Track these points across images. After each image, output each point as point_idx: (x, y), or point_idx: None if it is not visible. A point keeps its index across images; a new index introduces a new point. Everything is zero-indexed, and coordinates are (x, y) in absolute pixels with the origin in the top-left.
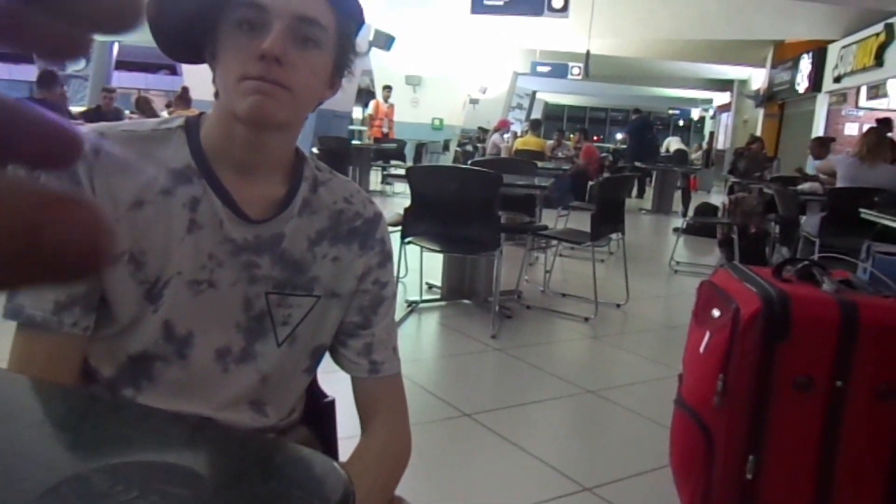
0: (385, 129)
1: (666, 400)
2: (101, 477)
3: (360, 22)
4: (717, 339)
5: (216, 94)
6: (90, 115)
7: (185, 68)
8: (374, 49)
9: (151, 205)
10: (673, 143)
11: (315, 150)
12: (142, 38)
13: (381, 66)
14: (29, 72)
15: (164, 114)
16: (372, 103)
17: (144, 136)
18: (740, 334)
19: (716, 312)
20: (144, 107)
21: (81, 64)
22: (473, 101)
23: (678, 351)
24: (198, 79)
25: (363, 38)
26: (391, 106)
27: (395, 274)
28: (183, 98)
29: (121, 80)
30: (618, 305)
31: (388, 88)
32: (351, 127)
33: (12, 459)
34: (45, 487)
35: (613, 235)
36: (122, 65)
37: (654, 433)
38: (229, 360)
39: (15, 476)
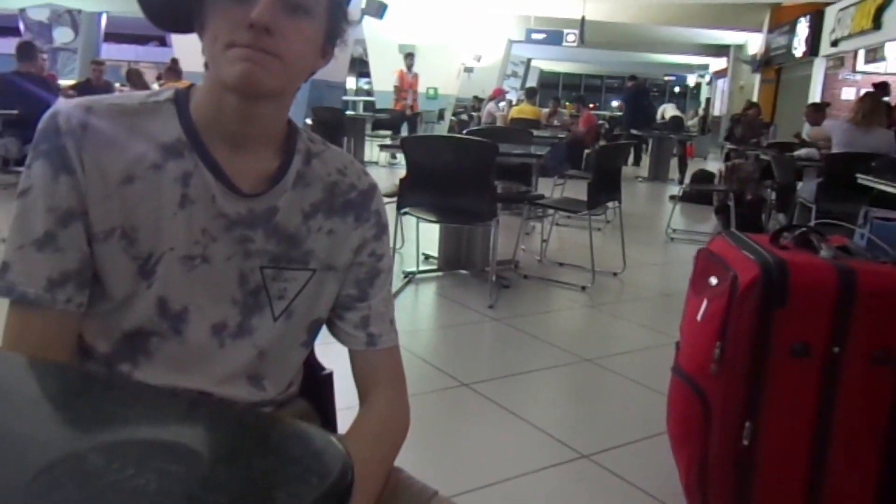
0: (409, 101)
1: (663, 368)
2: (97, 455)
3: None
4: (715, 307)
5: (206, 65)
6: (80, 88)
7: (175, 40)
8: (366, 17)
9: (142, 180)
10: (668, 110)
11: (308, 121)
12: (131, 8)
13: (373, 35)
14: (9, 45)
15: (155, 86)
16: (396, 73)
17: (133, 109)
18: (738, 302)
19: (713, 280)
20: (135, 79)
21: (70, 36)
22: (468, 70)
23: (675, 319)
24: (188, 50)
25: (355, 6)
26: (415, 76)
27: (392, 245)
28: (173, 70)
29: (110, 52)
30: (615, 274)
31: (410, 56)
32: (345, 97)
33: (7, 438)
34: (39, 467)
35: (610, 204)
36: (112, 37)
37: (652, 400)
38: (225, 334)
39: (9, 455)
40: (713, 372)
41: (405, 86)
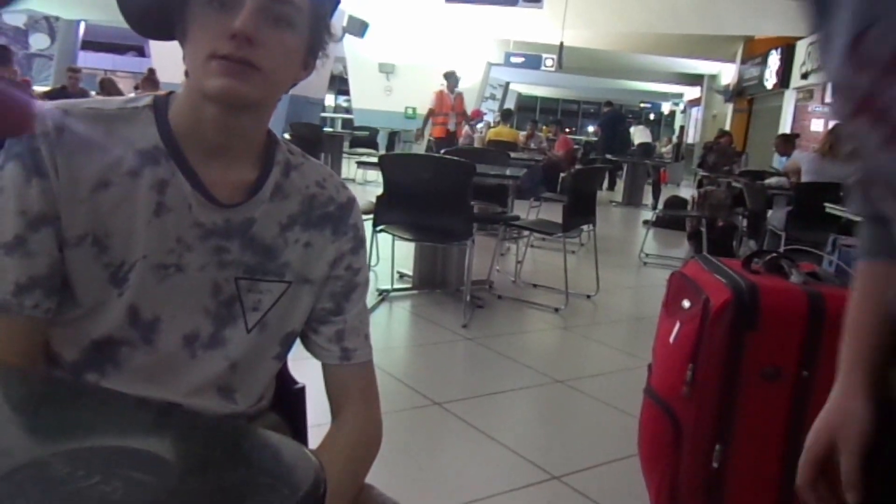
0: (451, 127)
1: (635, 390)
2: (61, 462)
3: (336, 2)
4: (687, 329)
5: (186, 73)
6: (55, 95)
7: (154, 50)
8: (347, 35)
9: (117, 186)
10: (638, 134)
11: (287, 136)
12: (109, 17)
13: (354, 53)
14: None
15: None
16: (433, 94)
17: (110, 114)
18: (710, 324)
19: (686, 303)
20: (109, 88)
21: (46, 42)
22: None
23: (647, 341)
24: (166, 60)
25: (337, 22)
26: (459, 96)
27: (368, 262)
28: (150, 80)
29: (87, 60)
30: (588, 296)
31: (452, 76)
32: (323, 114)
33: None
34: (1, 472)
35: (585, 227)
36: (89, 45)
37: (623, 422)
38: (197, 345)
39: None
40: (685, 394)
41: (444, 108)
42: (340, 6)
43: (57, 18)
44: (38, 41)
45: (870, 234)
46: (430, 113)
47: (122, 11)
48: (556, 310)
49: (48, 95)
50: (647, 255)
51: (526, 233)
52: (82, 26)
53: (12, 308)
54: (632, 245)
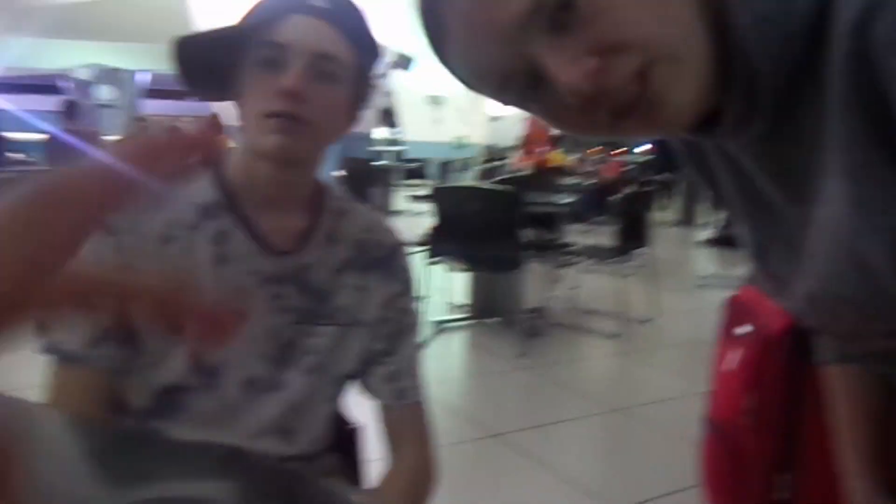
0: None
1: (695, 417)
2: None
3: (377, 56)
4: (745, 357)
5: (239, 129)
6: None
7: None
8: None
9: (178, 240)
10: None
11: (343, 172)
12: (170, 66)
13: (402, 86)
14: (49, 102)
15: None
16: (524, 121)
17: None
18: (768, 352)
19: (742, 329)
20: None
21: (113, 93)
22: (495, 119)
23: (707, 367)
24: (226, 104)
25: (382, 65)
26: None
27: (422, 293)
28: (213, 126)
29: (151, 107)
30: (645, 321)
31: None
32: (373, 148)
33: (49, 495)
34: None
35: (639, 250)
36: (153, 92)
37: (684, 452)
38: (257, 389)
39: None
40: (745, 423)
41: (541, 135)
42: (387, 43)
43: (121, 70)
44: (104, 92)
45: (837, 345)
46: (525, 141)
47: (181, 77)
48: (613, 336)
49: None
50: (704, 276)
51: (579, 258)
52: (147, 75)
53: (86, 360)
54: (689, 266)
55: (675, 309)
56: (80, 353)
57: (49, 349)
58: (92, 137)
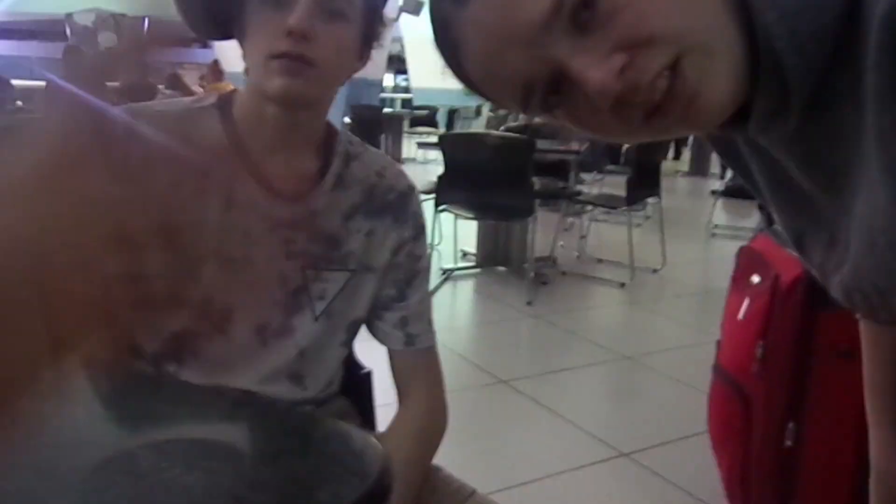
0: None
1: (703, 366)
2: (147, 453)
3: None
4: (757, 306)
5: (246, 71)
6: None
7: (217, 42)
8: (403, 14)
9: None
10: None
11: (347, 119)
12: (174, 12)
13: (411, 32)
14: (56, 49)
15: (197, 89)
16: None
17: (178, 115)
18: (780, 301)
19: (755, 278)
20: (176, 83)
21: (114, 40)
22: None
23: (716, 317)
24: (229, 51)
25: (392, 4)
26: None
27: (430, 242)
28: (214, 71)
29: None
30: (654, 270)
31: None
32: (382, 95)
33: (63, 436)
34: (94, 464)
35: (650, 199)
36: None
37: (692, 399)
38: (268, 334)
39: (66, 452)
40: (755, 371)
41: None
42: None
43: (123, 15)
44: (107, 39)
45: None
46: None
47: (181, 14)
48: (622, 285)
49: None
50: (715, 226)
51: (589, 207)
52: (146, 22)
53: None
54: (699, 216)
55: (685, 259)
56: None
57: None
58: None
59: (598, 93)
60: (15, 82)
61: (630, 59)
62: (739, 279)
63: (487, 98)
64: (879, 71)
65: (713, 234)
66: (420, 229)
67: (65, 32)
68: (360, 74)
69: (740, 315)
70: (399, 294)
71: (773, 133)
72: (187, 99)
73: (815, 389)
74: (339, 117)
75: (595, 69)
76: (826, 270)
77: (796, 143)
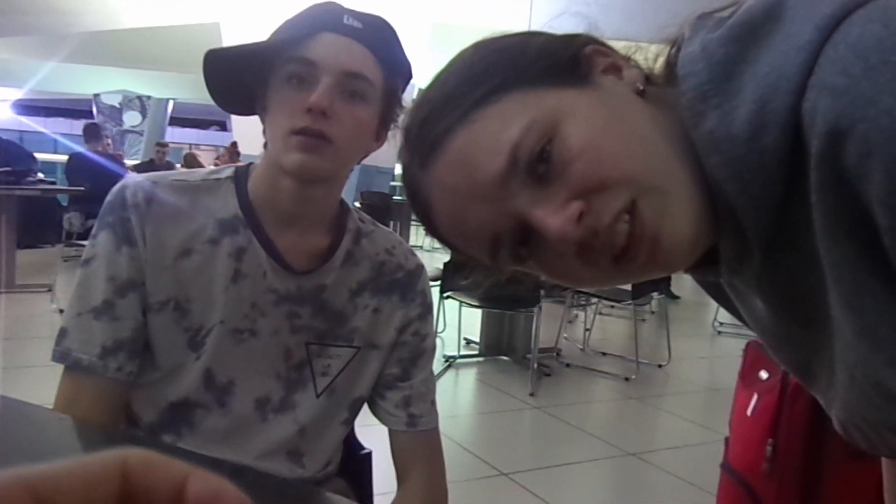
0: None
1: (711, 464)
2: None
3: (408, 78)
4: (766, 402)
5: (265, 145)
6: (143, 168)
7: (235, 124)
8: None
9: (198, 253)
10: None
11: (357, 204)
12: (196, 95)
13: None
14: (79, 126)
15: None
16: None
17: (195, 185)
18: (790, 398)
19: (763, 374)
20: (192, 162)
21: (138, 119)
22: None
23: (723, 414)
24: (246, 134)
25: (410, 93)
26: None
27: (435, 328)
28: (231, 152)
29: (174, 135)
30: (660, 366)
31: None
32: (392, 182)
33: None
34: None
35: (654, 294)
36: (176, 121)
37: (699, 499)
38: (268, 409)
39: None
40: (765, 470)
41: None
42: (414, 77)
43: (149, 97)
44: (131, 118)
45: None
46: None
47: (209, 90)
48: (627, 379)
49: (137, 168)
50: (720, 323)
51: (594, 300)
52: (171, 104)
53: (98, 370)
54: (705, 312)
55: (691, 354)
56: (92, 363)
57: (62, 358)
58: (115, 160)
59: (558, 240)
60: (38, 155)
61: (587, 205)
62: (747, 374)
63: (461, 253)
64: (820, 208)
65: (719, 332)
66: (427, 308)
67: (91, 111)
68: (371, 161)
69: (749, 411)
70: (403, 373)
71: (744, 274)
72: (205, 170)
73: (827, 489)
74: (350, 202)
75: (554, 217)
76: (828, 403)
77: (766, 282)
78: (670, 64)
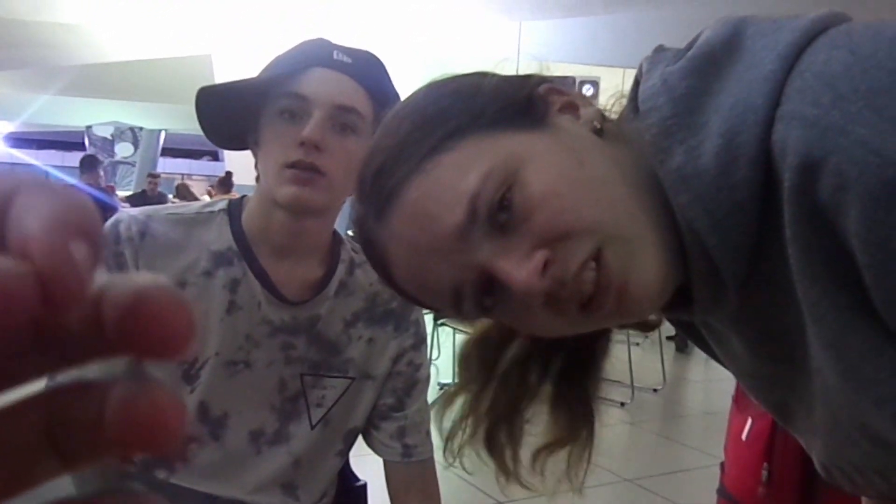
0: None
1: (708, 490)
2: None
3: None
4: (760, 426)
5: (257, 178)
6: (135, 199)
7: (227, 155)
8: None
9: (193, 286)
10: None
11: (350, 233)
12: (187, 125)
13: None
14: (75, 159)
15: (206, 198)
16: None
17: (189, 218)
18: None
19: None
20: (184, 193)
21: (130, 151)
22: None
23: (719, 438)
24: (239, 165)
25: None
26: None
27: (429, 356)
28: (224, 183)
29: (165, 165)
30: (655, 390)
31: None
32: None
33: None
34: None
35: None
36: (168, 151)
37: None
38: (263, 441)
39: None
40: (761, 495)
41: None
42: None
43: (141, 129)
44: (123, 149)
45: None
46: None
47: (202, 127)
48: (622, 404)
49: (129, 199)
50: None
51: None
52: (163, 135)
53: None
54: None
55: (685, 378)
56: None
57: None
58: (107, 192)
59: (525, 293)
60: None
61: (552, 254)
62: (741, 398)
63: (423, 306)
64: (796, 244)
65: None
66: (421, 338)
67: (83, 143)
68: None
69: (743, 435)
70: (398, 403)
71: (719, 313)
72: (198, 203)
73: None
74: (343, 229)
75: (519, 270)
76: (808, 444)
77: (743, 321)
78: (632, 98)
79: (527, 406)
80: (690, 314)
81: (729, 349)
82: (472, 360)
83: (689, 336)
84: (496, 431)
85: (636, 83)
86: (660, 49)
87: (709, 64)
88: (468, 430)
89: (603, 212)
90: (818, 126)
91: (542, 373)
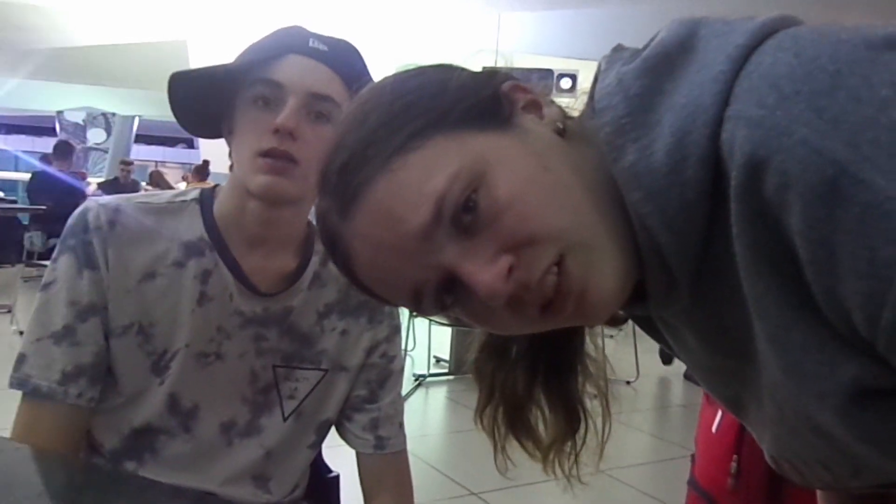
0: None
1: (678, 481)
2: None
3: None
4: (730, 418)
5: (231, 167)
6: (107, 186)
7: (203, 142)
8: None
9: (163, 277)
10: None
11: None
12: (161, 112)
13: None
14: (45, 144)
15: (181, 186)
16: None
17: (160, 208)
18: None
19: None
20: (158, 180)
21: (102, 137)
22: None
23: (690, 430)
24: (215, 153)
25: None
26: None
27: (404, 347)
28: (200, 171)
29: (139, 153)
30: (627, 382)
31: None
32: None
33: None
34: None
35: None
36: (141, 138)
37: None
38: (234, 433)
39: None
40: (730, 486)
41: None
42: None
43: (113, 114)
44: (95, 136)
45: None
46: None
47: (174, 113)
48: (595, 396)
49: (101, 186)
50: None
51: None
52: (136, 121)
53: (58, 396)
54: None
55: (659, 371)
56: (51, 390)
57: (20, 384)
58: (79, 178)
59: (489, 296)
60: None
61: (517, 259)
62: None
63: (381, 301)
64: (742, 241)
65: None
66: (395, 330)
67: (54, 128)
68: None
69: (714, 428)
70: (371, 395)
71: (673, 308)
72: (170, 192)
73: None
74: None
75: (484, 273)
76: (759, 436)
77: (695, 316)
78: (591, 97)
79: (529, 408)
80: (646, 309)
81: (684, 344)
82: (484, 372)
83: (646, 330)
84: (517, 434)
85: (595, 81)
86: (617, 48)
87: (663, 64)
88: (498, 434)
89: (566, 219)
90: (763, 126)
91: (531, 376)
